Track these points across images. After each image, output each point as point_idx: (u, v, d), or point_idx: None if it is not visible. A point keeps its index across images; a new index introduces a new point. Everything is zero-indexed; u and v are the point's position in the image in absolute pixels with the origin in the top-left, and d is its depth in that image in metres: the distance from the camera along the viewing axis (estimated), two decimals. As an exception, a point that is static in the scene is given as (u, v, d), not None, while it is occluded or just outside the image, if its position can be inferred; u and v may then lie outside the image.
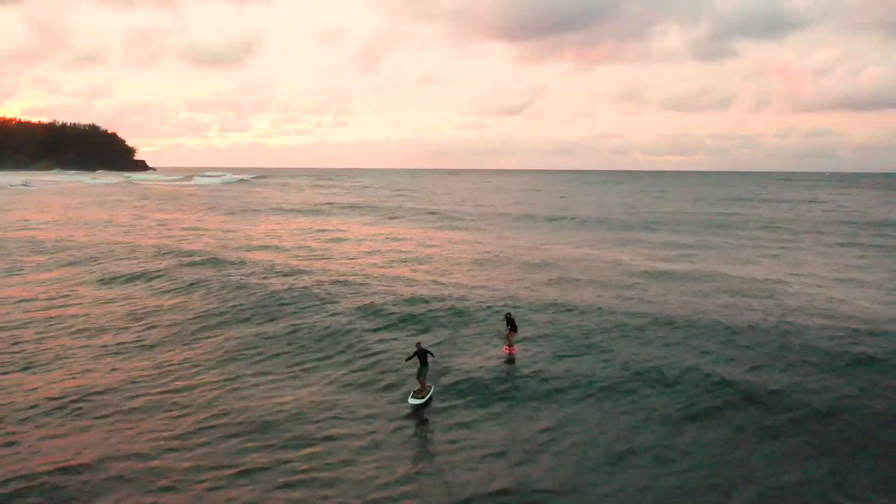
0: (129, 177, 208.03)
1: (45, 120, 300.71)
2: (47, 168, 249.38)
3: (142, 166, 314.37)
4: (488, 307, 23.24)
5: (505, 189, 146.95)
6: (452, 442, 13.33)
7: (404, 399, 15.54)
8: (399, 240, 46.32)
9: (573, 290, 26.79)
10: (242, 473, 11.80)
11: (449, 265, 33.96)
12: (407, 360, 16.87)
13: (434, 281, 28.90)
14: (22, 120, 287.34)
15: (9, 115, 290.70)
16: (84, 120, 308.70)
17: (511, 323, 18.73)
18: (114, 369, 17.59)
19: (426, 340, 18.59)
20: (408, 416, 14.71)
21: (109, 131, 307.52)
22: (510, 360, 18.00)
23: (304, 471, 11.97)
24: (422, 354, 16.11)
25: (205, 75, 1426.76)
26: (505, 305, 23.01)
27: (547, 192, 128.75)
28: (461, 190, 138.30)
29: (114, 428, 13.80)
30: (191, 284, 28.16)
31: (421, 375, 16.10)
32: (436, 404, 15.26)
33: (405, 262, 35.20)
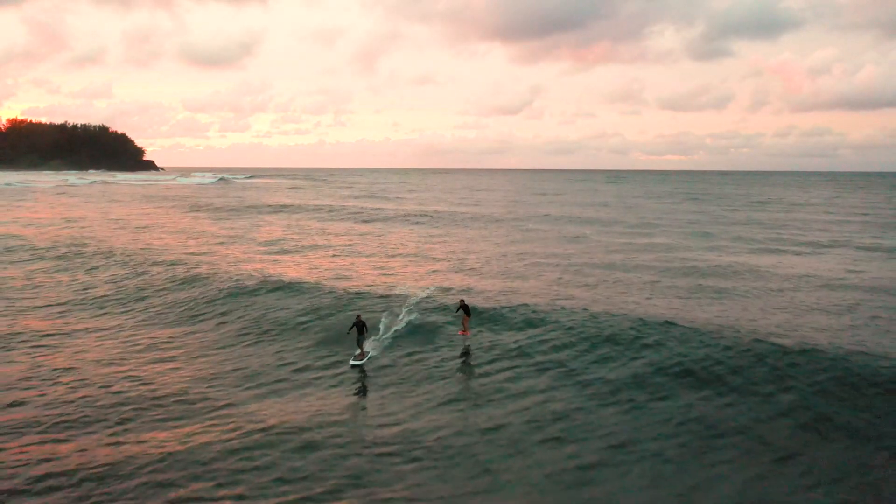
0: (115, 175, 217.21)
1: (45, 120, 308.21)
2: (57, 168, 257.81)
3: (150, 166, 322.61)
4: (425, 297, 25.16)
5: (491, 188, 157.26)
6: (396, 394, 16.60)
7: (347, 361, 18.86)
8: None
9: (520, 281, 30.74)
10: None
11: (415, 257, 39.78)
12: (348, 332, 19.27)
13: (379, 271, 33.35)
14: (34, 121, 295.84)
15: (8, 116, 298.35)
16: (84, 120, 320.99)
17: (465, 309, 19.64)
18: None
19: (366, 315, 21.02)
20: (349, 374, 18.02)
21: (119, 132, 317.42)
22: (465, 342, 19.46)
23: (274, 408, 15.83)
24: (360, 325, 18.65)
25: (203, 76, 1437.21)
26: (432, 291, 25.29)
27: (531, 191, 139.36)
28: (458, 189, 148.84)
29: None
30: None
31: (359, 342, 18.70)
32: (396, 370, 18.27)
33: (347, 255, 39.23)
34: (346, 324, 20.45)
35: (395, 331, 20.85)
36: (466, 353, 19.02)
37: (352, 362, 18.54)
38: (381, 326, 20.88)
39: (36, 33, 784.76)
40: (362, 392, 16.94)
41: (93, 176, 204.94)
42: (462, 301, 20.23)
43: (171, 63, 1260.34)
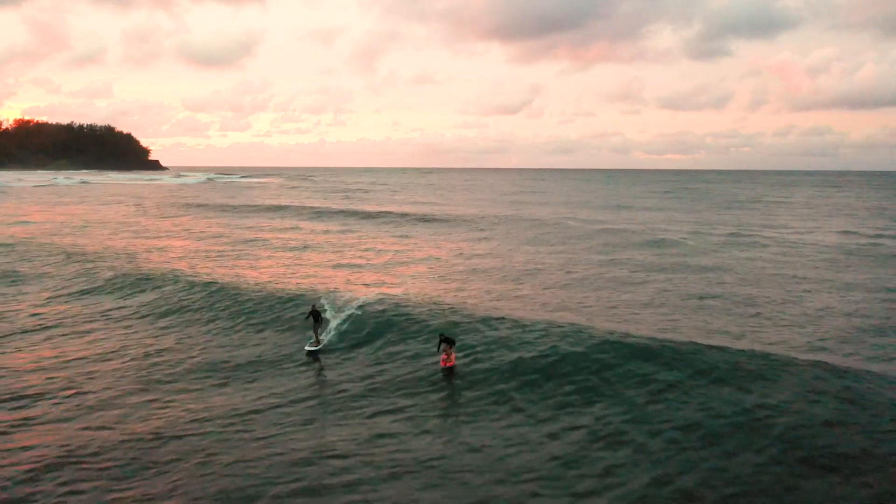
0: (108, 175, 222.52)
1: (45, 119, 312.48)
2: (64, 167, 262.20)
3: (156, 166, 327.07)
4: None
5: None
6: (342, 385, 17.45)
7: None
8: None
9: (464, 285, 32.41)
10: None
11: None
12: (305, 319, 20.57)
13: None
14: (41, 121, 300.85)
15: (10, 116, 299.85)
16: (85, 119, 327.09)
17: (447, 341, 18.18)
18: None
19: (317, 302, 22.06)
20: (305, 361, 19.43)
21: (125, 132, 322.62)
22: (448, 370, 17.83)
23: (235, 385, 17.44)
24: (315, 314, 20.08)
25: (203, 75, 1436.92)
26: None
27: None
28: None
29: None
30: None
31: (315, 330, 20.06)
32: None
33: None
34: (302, 315, 21.96)
35: (340, 322, 21.86)
36: (448, 376, 17.75)
37: (307, 348, 19.95)
38: (330, 316, 21.98)
39: (36, 33, 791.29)
40: (320, 374, 18.49)
41: (83, 175, 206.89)
42: (441, 335, 18.55)
43: (170, 63, 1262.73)
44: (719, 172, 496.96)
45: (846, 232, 54.28)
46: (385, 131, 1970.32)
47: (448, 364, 17.94)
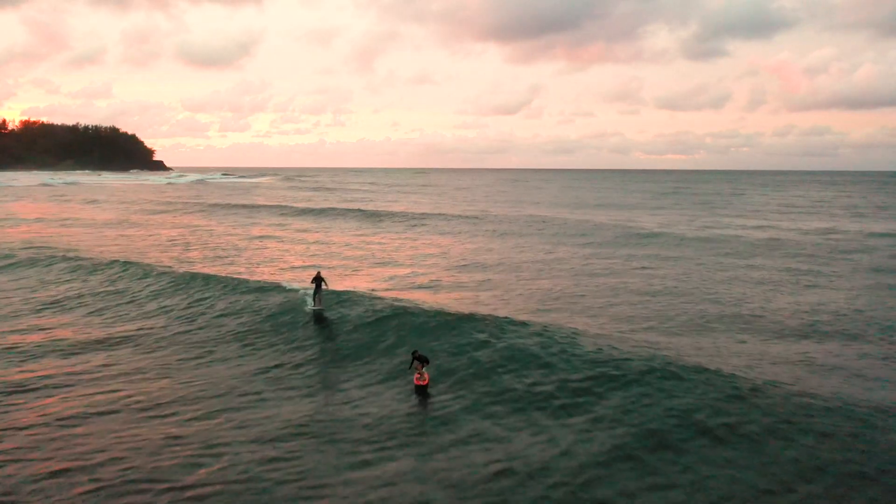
0: (101, 175, 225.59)
1: (45, 120, 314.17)
2: (69, 168, 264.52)
3: (160, 166, 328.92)
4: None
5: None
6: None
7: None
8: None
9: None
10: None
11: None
12: (311, 283, 22.81)
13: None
14: (47, 122, 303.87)
15: (10, 117, 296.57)
16: (85, 120, 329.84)
17: (420, 359, 17.30)
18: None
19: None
20: (309, 320, 21.92)
21: (129, 133, 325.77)
22: (422, 389, 16.74)
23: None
24: (318, 280, 22.58)
25: (202, 76, 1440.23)
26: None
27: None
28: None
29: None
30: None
31: (316, 294, 22.60)
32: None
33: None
34: (274, 310, 23.71)
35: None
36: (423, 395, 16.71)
37: (307, 308, 22.79)
38: (308, 300, 23.38)
39: (35, 34, 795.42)
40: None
41: (76, 176, 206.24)
42: (414, 352, 17.64)
43: (169, 63, 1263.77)
44: (719, 173, 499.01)
45: (799, 229, 56.58)
46: (384, 131, 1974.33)
47: (422, 383, 17.03)
